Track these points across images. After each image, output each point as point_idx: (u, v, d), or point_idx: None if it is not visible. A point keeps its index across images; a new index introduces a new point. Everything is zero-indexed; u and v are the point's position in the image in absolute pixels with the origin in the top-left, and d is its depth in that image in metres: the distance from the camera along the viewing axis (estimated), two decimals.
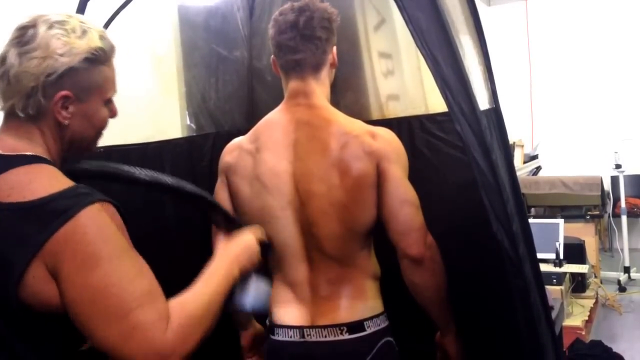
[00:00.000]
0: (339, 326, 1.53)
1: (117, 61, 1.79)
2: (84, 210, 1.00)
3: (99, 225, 1.02)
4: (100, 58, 1.12)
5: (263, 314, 1.46)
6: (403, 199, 1.49)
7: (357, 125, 1.56)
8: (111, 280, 0.99)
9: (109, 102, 1.19)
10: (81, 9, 1.60)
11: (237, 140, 1.67)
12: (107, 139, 1.80)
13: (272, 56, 1.62)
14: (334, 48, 1.61)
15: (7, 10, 2.01)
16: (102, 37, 1.13)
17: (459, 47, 1.35)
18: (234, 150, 1.64)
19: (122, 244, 1.04)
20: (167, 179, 1.25)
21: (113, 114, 1.21)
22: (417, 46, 1.32)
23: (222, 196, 1.65)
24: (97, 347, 1.00)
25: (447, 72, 1.30)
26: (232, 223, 1.41)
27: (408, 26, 1.31)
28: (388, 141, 1.54)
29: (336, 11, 1.61)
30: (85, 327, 1.00)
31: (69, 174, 1.10)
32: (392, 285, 1.54)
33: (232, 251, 1.30)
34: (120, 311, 0.98)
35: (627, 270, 5.17)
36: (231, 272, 1.24)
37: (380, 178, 1.50)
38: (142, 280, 1.03)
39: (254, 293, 1.43)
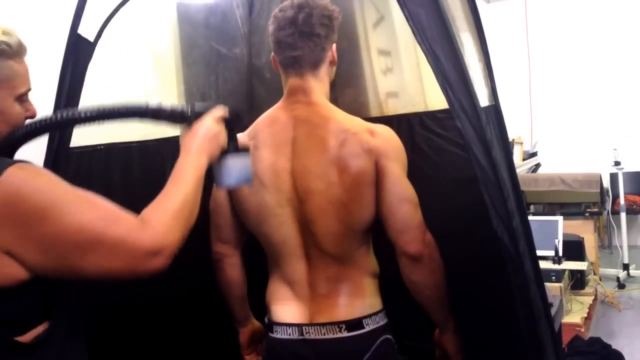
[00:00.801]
0: (337, 324, 1.53)
1: (117, 59, 1.81)
2: (5, 174, 1.01)
3: (24, 179, 1.03)
4: (6, 52, 1.13)
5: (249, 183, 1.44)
6: (401, 197, 1.49)
7: (356, 123, 1.55)
8: (67, 220, 1.02)
9: (22, 100, 1.18)
10: (80, 7, 1.60)
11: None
12: (108, 136, 1.82)
13: (272, 53, 1.62)
14: (334, 46, 1.61)
15: (6, 10, 2.02)
16: (5, 33, 1.14)
17: (460, 44, 1.35)
18: None
19: (63, 186, 1.06)
20: (98, 107, 1.21)
21: (30, 113, 1.21)
22: (418, 42, 1.32)
23: (220, 193, 1.65)
24: (96, 280, 1.05)
25: (448, 69, 1.30)
26: (186, 116, 1.32)
27: (409, 22, 1.31)
28: (387, 138, 1.54)
29: (337, 9, 1.61)
30: (71, 272, 1.04)
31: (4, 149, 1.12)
32: (391, 282, 1.54)
33: (194, 143, 1.27)
34: (93, 240, 1.02)
35: (626, 267, 5.17)
36: (198, 164, 1.24)
37: (378, 175, 1.50)
38: (96, 207, 1.07)
39: (235, 168, 1.39)
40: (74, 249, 1.02)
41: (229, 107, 1.40)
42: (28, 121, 1.18)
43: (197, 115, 1.32)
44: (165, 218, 1.10)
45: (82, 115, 1.19)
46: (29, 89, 1.20)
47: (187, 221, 1.15)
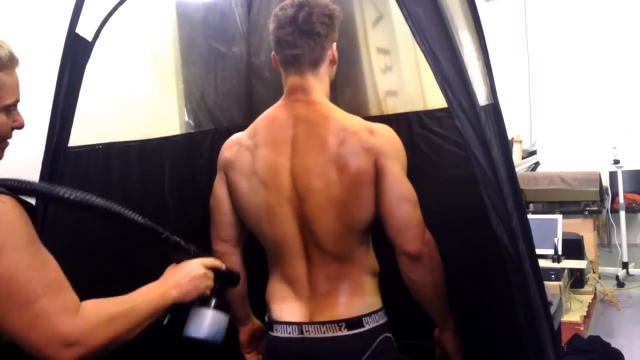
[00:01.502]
0: (337, 322, 1.53)
1: (115, 58, 1.81)
2: None
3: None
4: None
5: (217, 346, 1.44)
6: (401, 196, 1.49)
7: (355, 122, 1.55)
8: (16, 269, 1.01)
9: (9, 110, 1.19)
10: (78, 6, 1.60)
11: (236, 136, 1.67)
12: (107, 135, 1.82)
13: (273, 52, 1.62)
14: (334, 45, 1.61)
15: (5, 9, 2.01)
16: None
17: (458, 43, 1.35)
18: (233, 146, 1.64)
19: (27, 235, 1.05)
20: (110, 206, 1.22)
21: (17, 123, 1.21)
22: (417, 42, 1.32)
23: (220, 192, 1.65)
24: (5, 335, 1.03)
25: (447, 68, 1.30)
26: (181, 251, 1.38)
27: (407, 22, 1.31)
28: (386, 137, 1.54)
29: (338, 8, 1.60)
30: None
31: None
32: (392, 281, 1.54)
33: (173, 276, 1.32)
34: (24, 300, 1.01)
35: (625, 265, 5.18)
36: (165, 293, 1.27)
37: (378, 174, 1.49)
38: (48, 272, 1.05)
39: (209, 322, 1.41)
40: (4, 297, 1.00)
41: (229, 267, 1.47)
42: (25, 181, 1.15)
43: (193, 254, 1.37)
44: (100, 317, 1.08)
45: (92, 203, 1.18)
46: (17, 100, 1.20)
47: (122, 332, 1.12)
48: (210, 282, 1.39)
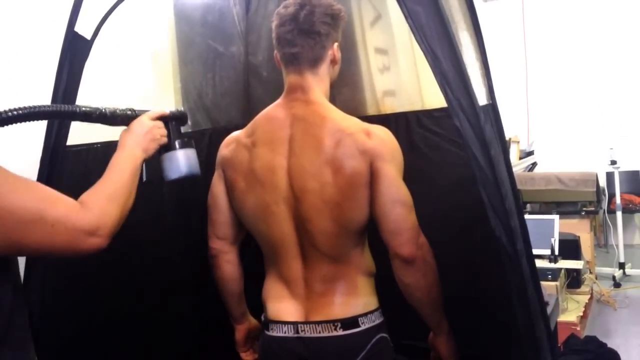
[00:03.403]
0: (333, 322, 1.53)
1: (114, 57, 1.81)
2: None
3: None
4: None
5: (198, 176, 1.55)
6: (395, 199, 1.48)
7: (352, 123, 1.55)
8: (10, 198, 1.06)
9: None
10: (77, 5, 1.59)
11: (234, 134, 1.67)
12: (105, 134, 1.82)
13: (275, 50, 1.62)
14: (335, 44, 1.60)
15: (5, 8, 2.01)
16: None
17: (458, 42, 1.35)
18: (231, 144, 1.64)
19: (2, 169, 1.09)
20: (28, 107, 1.25)
21: None
22: (417, 41, 1.31)
23: (218, 189, 1.66)
24: (40, 256, 1.14)
25: (447, 67, 1.30)
26: (125, 117, 1.45)
27: (407, 20, 1.31)
28: (383, 140, 1.53)
29: (342, 8, 1.60)
30: (15, 246, 1.08)
31: None
32: (388, 282, 1.54)
33: (130, 139, 1.40)
34: (35, 217, 1.07)
35: (622, 266, 5.19)
36: (132, 156, 1.36)
37: (373, 177, 1.48)
38: (38, 189, 1.13)
39: (177, 161, 1.51)
40: (17, 226, 1.06)
41: (172, 109, 1.54)
42: None
43: (130, 117, 1.45)
44: (101, 201, 1.19)
45: (8, 113, 1.20)
46: None
47: (123, 205, 1.25)
48: (162, 130, 1.48)
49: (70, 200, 1.14)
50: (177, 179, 1.52)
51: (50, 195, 1.13)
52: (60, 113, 1.35)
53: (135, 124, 1.44)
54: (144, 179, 1.42)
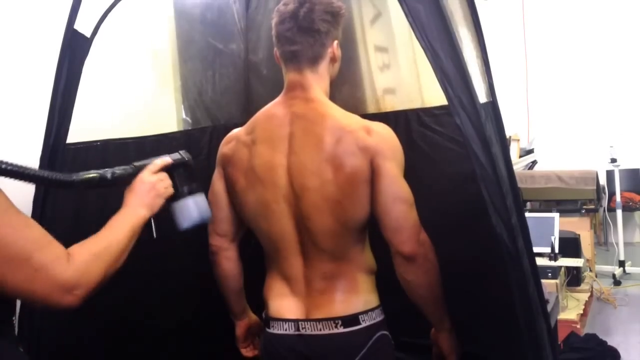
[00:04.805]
0: (333, 319, 1.53)
1: (114, 55, 1.81)
2: None
3: None
4: None
5: (210, 219, 1.54)
6: (396, 196, 1.48)
7: (352, 120, 1.55)
8: (4, 232, 1.05)
9: None
10: (77, 3, 1.59)
11: (235, 132, 1.67)
12: (104, 132, 1.82)
13: (275, 47, 1.62)
14: (335, 42, 1.60)
15: (3, 7, 2.01)
16: None
17: (458, 39, 1.35)
18: (231, 141, 1.64)
19: (4, 201, 1.09)
20: (26, 168, 1.21)
21: None
22: (417, 38, 1.31)
23: (218, 187, 1.66)
24: (8, 295, 1.09)
25: (447, 65, 1.30)
26: (127, 177, 1.40)
27: (407, 18, 1.31)
28: (383, 137, 1.52)
29: (343, 6, 1.60)
30: None
31: None
32: (389, 279, 1.54)
33: (133, 198, 1.36)
34: (20, 258, 1.06)
35: (621, 264, 5.19)
36: (134, 216, 1.32)
37: (374, 174, 1.48)
38: (32, 229, 1.11)
39: (192, 208, 1.48)
40: (1, 261, 1.05)
41: (173, 154, 1.50)
42: None
43: (131, 175, 1.40)
44: (86, 258, 1.15)
45: (9, 168, 1.17)
46: None
47: (109, 265, 1.20)
48: (166, 182, 1.44)
49: (59, 249, 1.12)
50: (190, 227, 1.48)
51: (42, 239, 1.11)
52: (57, 182, 1.28)
53: (137, 182, 1.39)
54: (154, 235, 1.40)
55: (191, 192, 1.49)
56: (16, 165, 1.16)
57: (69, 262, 1.11)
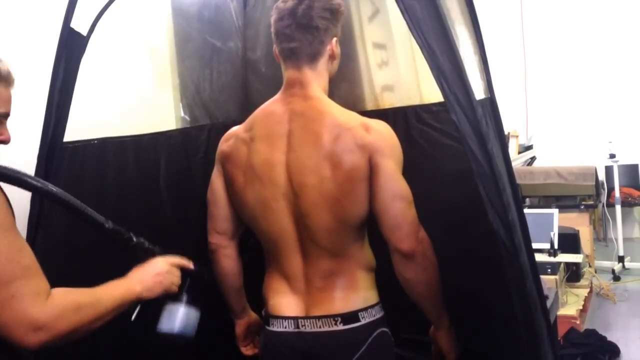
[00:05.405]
0: (333, 317, 1.53)
1: (111, 53, 1.80)
2: None
3: None
4: None
5: (189, 340, 1.50)
6: (395, 194, 1.48)
7: (351, 118, 1.54)
8: None
9: None
10: (73, 1, 1.59)
11: (234, 129, 1.66)
12: (102, 130, 1.82)
13: (274, 45, 1.62)
14: (334, 40, 1.59)
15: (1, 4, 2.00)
16: None
17: (455, 36, 1.34)
18: (230, 139, 1.64)
19: (6, 220, 1.08)
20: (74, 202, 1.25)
21: (3, 137, 1.24)
22: (413, 36, 1.31)
23: (217, 185, 1.65)
24: None
25: (443, 62, 1.29)
26: (147, 252, 1.42)
27: (404, 16, 1.31)
28: (382, 134, 1.52)
29: (341, 3, 1.59)
30: None
31: None
32: (389, 276, 1.54)
33: (137, 274, 1.36)
34: (2, 280, 1.05)
35: (621, 259, 5.20)
36: (130, 289, 1.31)
37: (372, 172, 1.48)
38: (25, 256, 1.10)
39: (182, 318, 1.47)
40: None
41: (198, 264, 1.51)
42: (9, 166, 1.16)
43: (150, 253, 1.41)
44: (68, 305, 1.13)
45: (54, 194, 1.20)
46: (7, 114, 1.22)
47: (85, 322, 1.16)
48: (175, 279, 1.44)
49: (43, 284, 1.10)
50: (166, 335, 1.46)
51: (30, 269, 1.09)
52: (88, 218, 1.29)
53: (151, 262, 1.40)
54: (132, 318, 1.37)
55: (189, 303, 1.48)
56: (62, 193, 1.18)
57: (46, 301, 1.09)
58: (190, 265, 1.49)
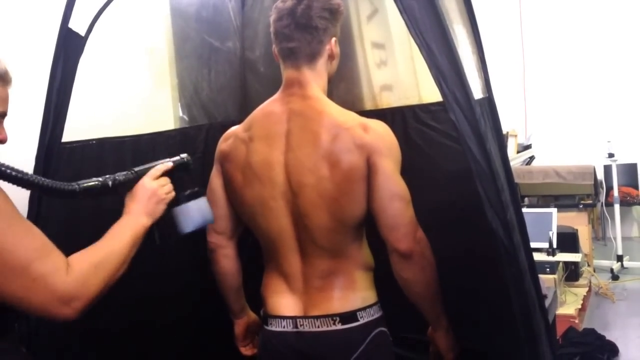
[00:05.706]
0: (331, 316, 1.53)
1: (109, 53, 1.80)
2: None
3: None
4: None
5: (211, 222, 1.54)
6: (393, 194, 1.48)
7: (349, 118, 1.54)
8: (4, 239, 1.05)
9: None
10: (71, 1, 1.58)
11: (233, 129, 1.67)
12: (100, 130, 1.81)
13: (273, 44, 1.62)
14: (333, 40, 1.59)
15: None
16: None
17: (453, 36, 1.34)
18: (229, 138, 1.64)
19: (7, 207, 1.09)
20: (30, 175, 1.20)
21: (1, 138, 1.24)
22: (412, 35, 1.31)
23: (216, 184, 1.66)
24: (6, 303, 1.08)
25: (442, 61, 1.29)
26: (128, 182, 1.39)
27: (402, 15, 1.31)
28: (380, 134, 1.52)
29: (340, 2, 1.59)
30: None
31: None
32: (388, 276, 1.54)
33: (134, 205, 1.35)
34: (19, 266, 1.06)
35: (619, 258, 5.20)
36: (135, 224, 1.31)
37: (370, 172, 1.48)
38: (34, 238, 1.10)
39: (196, 211, 1.48)
40: (0, 269, 1.05)
41: (174, 157, 1.49)
42: None
43: (132, 180, 1.38)
44: (86, 269, 1.14)
45: (11, 173, 1.16)
46: (4, 113, 1.22)
47: (109, 275, 1.19)
48: (168, 186, 1.43)
49: (59, 259, 1.11)
50: (192, 231, 1.48)
51: (43, 248, 1.10)
52: (59, 191, 1.25)
53: (139, 188, 1.37)
54: (157, 242, 1.39)
55: (192, 196, 1.48)
56: (17, 171, 1.15)
57: (68, 273, 1.10)
58: (170, 164, 1.47)
